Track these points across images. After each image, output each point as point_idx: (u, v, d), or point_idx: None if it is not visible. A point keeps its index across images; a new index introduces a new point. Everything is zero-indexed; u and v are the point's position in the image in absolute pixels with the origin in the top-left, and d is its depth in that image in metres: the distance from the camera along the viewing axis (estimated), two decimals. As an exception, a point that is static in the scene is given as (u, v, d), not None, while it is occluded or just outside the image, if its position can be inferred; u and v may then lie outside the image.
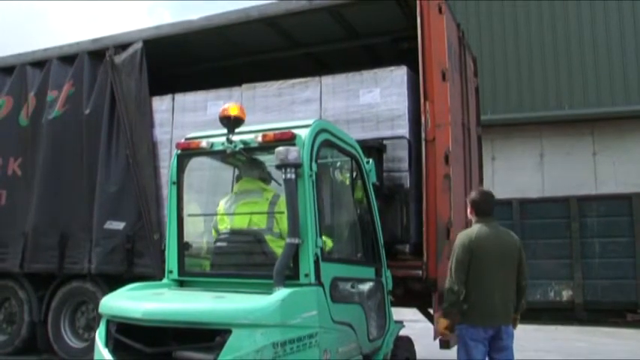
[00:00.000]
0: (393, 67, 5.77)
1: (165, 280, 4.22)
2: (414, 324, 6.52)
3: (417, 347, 5.34)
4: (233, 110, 3.95)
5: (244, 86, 6.32)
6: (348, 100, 5.86)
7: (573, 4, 14.02)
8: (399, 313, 9.75)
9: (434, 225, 5.24)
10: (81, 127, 7.16)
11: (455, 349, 5.53)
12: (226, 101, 5.59)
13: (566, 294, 11.16)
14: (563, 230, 11.24)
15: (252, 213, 4.15)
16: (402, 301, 6.15)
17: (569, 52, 13.98)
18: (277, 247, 3.94)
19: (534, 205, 11.74)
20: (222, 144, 3.99)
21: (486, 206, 4.38)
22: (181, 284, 4.19)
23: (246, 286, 3.79)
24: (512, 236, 4.45)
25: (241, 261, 4.10)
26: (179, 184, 4.24)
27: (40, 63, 7.85)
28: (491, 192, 4.57)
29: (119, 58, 7.02)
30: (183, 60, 7.72)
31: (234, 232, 4.16)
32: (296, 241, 3.56)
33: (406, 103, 5.66)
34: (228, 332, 3.18)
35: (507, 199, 11.84)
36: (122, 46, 7.11)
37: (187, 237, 4.27)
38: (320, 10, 6.40)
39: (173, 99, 6.78)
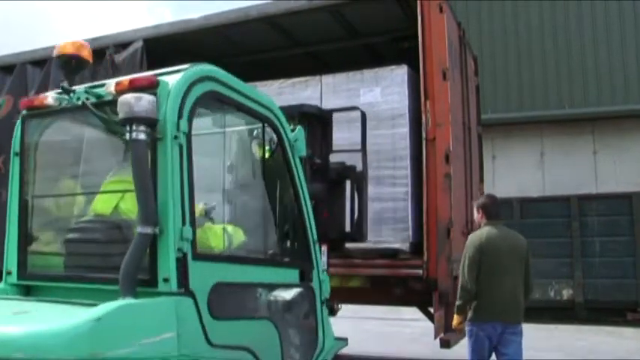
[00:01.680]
0: (393, 66, 5.77)
1: (1, 285, 3.19)
2: (414, 323, 6.52)
3: (417, 346, 5.35)
4: (68, 47, 2.98)
5: (245, 85, 6.30)
6: (348, 99, 5.86)
7: (574, 3, 14.01)
8: (399, 312, 9.81)
9: (434, 224, 5.23)
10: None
11: (455, 348, 5.55)
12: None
13: (566, 293, 11.16)
14: (563, 229, 11.24)
15: (113, 191, 3.03)
16: (402, 301, 6.17)
17: (570, 51, 13.97)
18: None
19: (535, 204, 11.75)
20: (69, 98, 3.04)
21: (495, 209, 4.64)
22: (27, 290, 3.17)
23: (101, 295, 2.64)
24: (520, 238, 4.64)
25: (97, 262, 2.95)
26: (23, 155, 3.24)
27: (40, 62, 7.84)
28: (497, 196, 4.81)
29: (119, 57, 7.01)
30: (183, 59, 7.62)
31: (91, 221, 3.07)
32: (148, 230, 2.56)
33: (407, 102, 5.67)
34: None
35: (508, 198, 11.83)
36: (122, 45, 7.10)
37: (36, 226, 3.26)
38: (320, 9, 6.39)
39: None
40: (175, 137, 2.67)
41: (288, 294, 3.22)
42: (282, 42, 7.28)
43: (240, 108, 3.22)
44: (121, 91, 2.77)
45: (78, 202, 3.28)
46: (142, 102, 2.62)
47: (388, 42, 6.94)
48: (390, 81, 5.73)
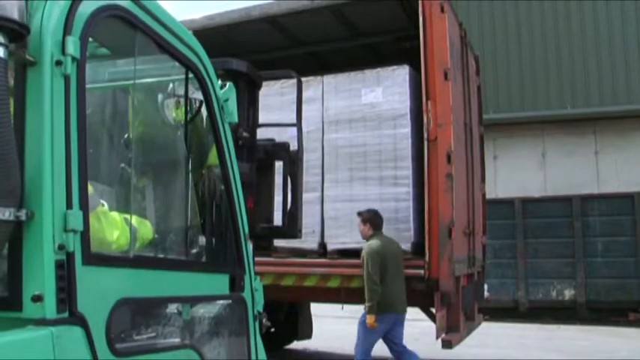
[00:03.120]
0: (395, 67, 5.77)
1: None
2: (416, 323, 6.52)
3: (419, 346, 5.37)
4: None
5: (246, 85, 6.29)
6: (350, 99, 5.87)
7: (575, 3, 13.99)
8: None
9: (436, 224, 5.23)
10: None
11: (456, 349, 5.55)
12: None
13: (568, 293, 11.14)
14: (565, 229, 11.23)
15: None
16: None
17: (572, 51, 13.95)
18: None
19: (536, 204, 11.74)
20: None
21: (380, 221, 5.42)
22: None
23: None
24: (397, 243, 5.47)
25: None
26: None
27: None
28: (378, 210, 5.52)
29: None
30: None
31: None
32: (7, 215, 1.56)
33: (408, 102, 5.67)
34: None
35: (509, 198, 11.85)
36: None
37: None
38: (322, 9, 6.39)
39: (175, 98, 6.73)
40: (58, 63, 1.66)
41: (216, 310, 2.44)
42: (283, 42, 7.28)
43: (156, 42, 2.16)
44: None
45: None
46: (4, 3, 1.59)
47: (390, 42, 6.93)
48: (392, 81, 5.73)
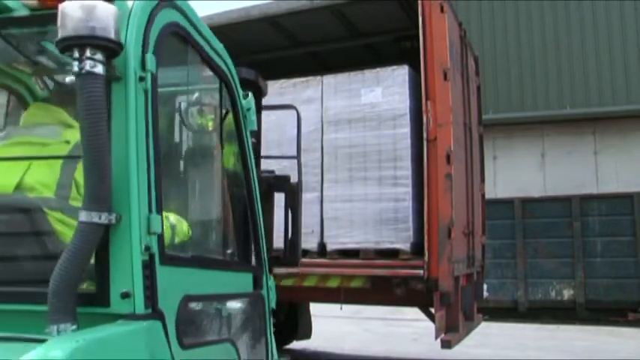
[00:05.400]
0: (394, 67, 5.77)
1: None
2: (415, 323, 6.52)
3: (418, 346, 5.35)
4: None
5: (246, 85, 6.29)
6: (349, 99, 5.87)
7: (575, 3, 14.00)
8: (400, 312, 9.81)
9: (435, 224, 5.23)
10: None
11: (455, 349, 5.55)
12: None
13: (567, 293, 11.16)
14: (564, 229, 11.24)
15: (24, 158, 2.06)
16: (403, 301, 6.17)
17: (571, 52, 13.95)
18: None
19: (536, 204, 11.76)
20: None
21: None
22: None
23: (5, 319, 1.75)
24: None
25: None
26: None
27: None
28: None
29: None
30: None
31: None
32: (100, 218, 1.67)
33: (408, 103, 5.67)
34: None
35: (509, 198, 11.86)
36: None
37: None
38: (321, 9, 6.40)
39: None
40: (141, 79, 1.81)
41: (246, 305, 2.58)
42: (283, 42, 7.28)
43: (201, 56, 2.30)
44: (50, 2, 1.85)
45: None
46: (99, 14, 1.66)
47: (389, 42, 6.94)
48: (392, 81, 5.73)
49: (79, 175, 1.91)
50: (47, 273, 1.68)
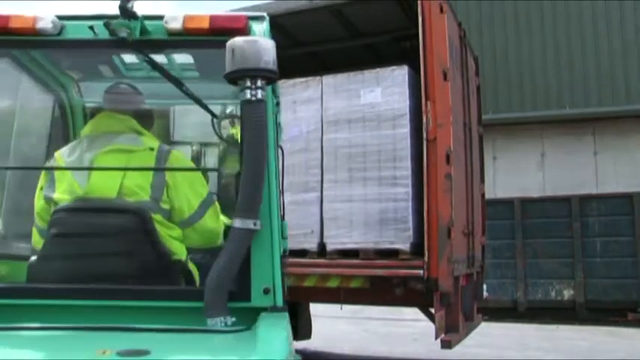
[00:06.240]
0: (394, 67, 5.77)
1: None
2: (415, 323, 6.52)
3: (418, 347, 5.35)
4: None
5: (245, 86, 6.29)
6: (349, 99, 5.87)
7: (575, 3, 14.00)
8: (400, 312, 9.81)
9: (435, 224, 5.23)
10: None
11: (455, 349, 5.55)
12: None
13: (567, 293, 11.15)
14: (564, 229, 11.24)
15: (128, 169, 2.26)
16: (403, 301, 6.17)
17: (571, 52, 13.96)
18: (169, 238, 2.28)
19: (535, 204, 11.75)
20: (108, 25, 2.14)
21: None
22: None
23: (126, 314, 1.99)
24: None
25: (107, 264, 2.14)
26: None
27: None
28: None
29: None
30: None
31: (97, 206, 2.21)
32: (256, 225, 1.98)
33: (407, 103, 5.66)
34: None
35: (509, 198, 11.85)
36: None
37: None
38: (321, 9, 6.40)
39: (174, 98, 6.74)
40: (277, 104, 2.19)
41: None
42: (283, 42, 7.26)
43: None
44: (193, 29, 2.14)
45: (56, 179, 2.31)
46: (264, 48, 1.98)
47: (389, 42, 6.94)
48: (391, 81, 5.73)
49: (171, 179, 2.26)
50: (157, 271, 2.03)
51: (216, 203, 2.44)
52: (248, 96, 1.97)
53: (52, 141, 2.76)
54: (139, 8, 2.17)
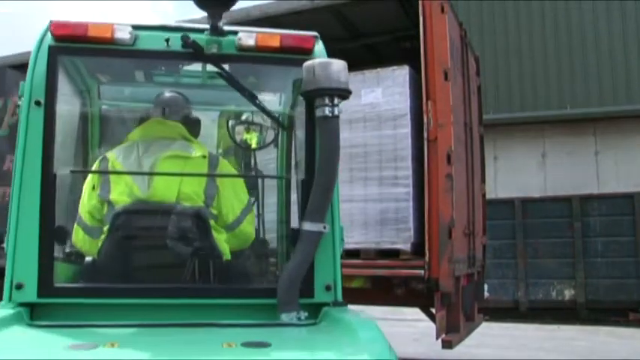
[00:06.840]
0: (395, 67, 5.77)
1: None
2: (416, 323, 6.52)
3: (419, 347, 5.34)
4: None
5: (246, 86, 6.30)
6: (350, 99, 5.85)
7: (575, 3, 13.99)
8: (401, 312, 9.80)
9: (436, 224, 5.23)
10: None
11: (456, 349, 5.55)
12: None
13: (568, 293, 11.14)
14: (565, 229, 11.23)
15: (185, 174, 2.43)
16: (403, 301, 6.16)
17: (572, 52, 13.95)
18: (220, 239, 2.46)
19: (536, 204, 11.74)
20: (205, 35, 2.31)
21: None
22: (32, 312, 2.08)
23: (199, 312, 2.15)
24: None
25: (177, 265, 2.32)
26: (49, 106, 2.14)
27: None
28: None
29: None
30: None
31: (160, 209, 2.36)
32: (325, 228, 2.18)
33: (408, 103, 5.66)
34: None
35: (509, 198, 11.84)
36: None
37: (65, 217, 2.41)
38: (321, 9, 6.40)
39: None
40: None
41: None
42: (283, 42, 7.28)
43: None
44: (264, 47, 2.28)
45: (111, 182, 2.41)
46: (338, 69, 2.18)
47: (390, 42, 6.94)
48: (392, 81, 5.73)
49: (222, 187, 2.44)
50: (216, 271, 2.25)
51: (253, 210, 2.66)
52: (326, 112, 2.18)
53: (79, 143, 2.88)
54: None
